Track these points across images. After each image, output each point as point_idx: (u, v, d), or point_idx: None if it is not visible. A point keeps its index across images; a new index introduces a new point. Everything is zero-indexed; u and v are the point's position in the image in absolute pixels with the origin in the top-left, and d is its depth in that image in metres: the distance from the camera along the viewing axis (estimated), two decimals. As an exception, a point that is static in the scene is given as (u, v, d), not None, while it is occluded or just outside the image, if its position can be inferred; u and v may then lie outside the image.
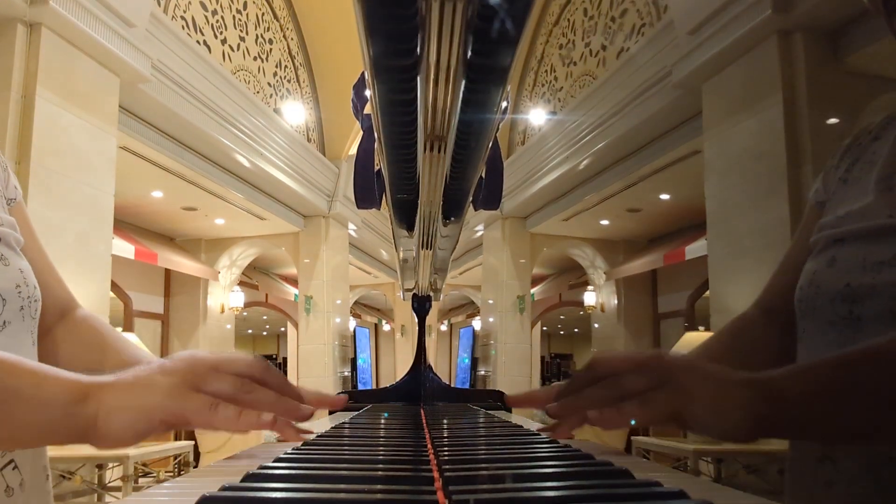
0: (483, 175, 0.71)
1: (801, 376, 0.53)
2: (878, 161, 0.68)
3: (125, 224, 6.89)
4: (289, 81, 7.47)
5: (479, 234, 9.28)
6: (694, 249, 6.33)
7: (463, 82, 0.39)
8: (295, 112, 7.32)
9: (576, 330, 18.47)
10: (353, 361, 11.70)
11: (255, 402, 0.49)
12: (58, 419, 0.47)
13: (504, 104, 0.47)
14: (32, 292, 0.68)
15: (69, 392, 0.48)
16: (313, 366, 7.89)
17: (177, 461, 4.47)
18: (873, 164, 0.68)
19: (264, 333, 19.17)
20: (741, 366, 0.81)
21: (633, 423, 0.50)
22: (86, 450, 3.33)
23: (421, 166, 0.55)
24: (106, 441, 0.48)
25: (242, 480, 0.38)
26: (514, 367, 8.18)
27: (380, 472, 0.43)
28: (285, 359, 13.97)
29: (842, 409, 0.50)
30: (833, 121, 3.43)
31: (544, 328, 15.85)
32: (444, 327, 17.18)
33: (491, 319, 8.70)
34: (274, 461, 0.44)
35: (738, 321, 0.86)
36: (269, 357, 18.54)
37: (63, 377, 0.49)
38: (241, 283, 8.69)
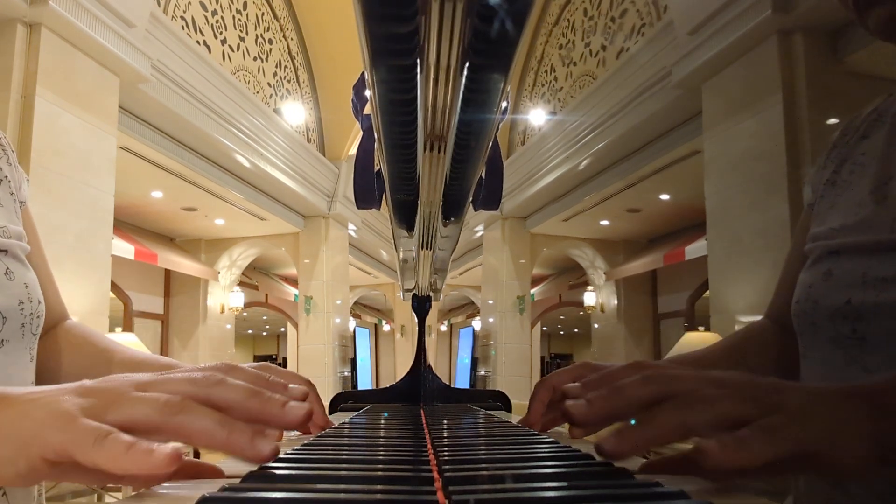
0: (483, 175, 0.71)
1: None
2: (869, 163, 0.64)
3: (125, 224, 6.89)
4: (289, 81, 7.47)
5: (479, 234, 9.29)
6: (694, 249, 6.33)
7: (463, 82, 0.39)
8: (295, 112, 7.32)
9: (576, 330, 18.48)
10: (353, 361, 11.69)
11: (181, 428, 0.36)
12: None
13: (504, 104, 0.47)
14: (36, 308, 0.64)
15: None
16: (313, 366, 7.90)
17: (177, 461, 4.46)
18: (863, 167, 0.65)
19: (264, 334, 19.18)
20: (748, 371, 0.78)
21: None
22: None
23: (421, 166, 0.55)
24: (6, 482, 0.35)
25: (242, 480, 0.38)
26: (514, 368, 8.18)
27: (380, 473, 0.43)
28: (285, 359, 13.98)
29: None
30: (833, 121, 3.43)
31: (544, 328, 15.86)
32: (444, 327, 17.19)
33: (491, 320, 8.70)
34: (274, 461, 0.44)
35: (749, 327, 0.85)
36: (268, 357, 18.54)
37: None
38: (240, 284, 8.70)
